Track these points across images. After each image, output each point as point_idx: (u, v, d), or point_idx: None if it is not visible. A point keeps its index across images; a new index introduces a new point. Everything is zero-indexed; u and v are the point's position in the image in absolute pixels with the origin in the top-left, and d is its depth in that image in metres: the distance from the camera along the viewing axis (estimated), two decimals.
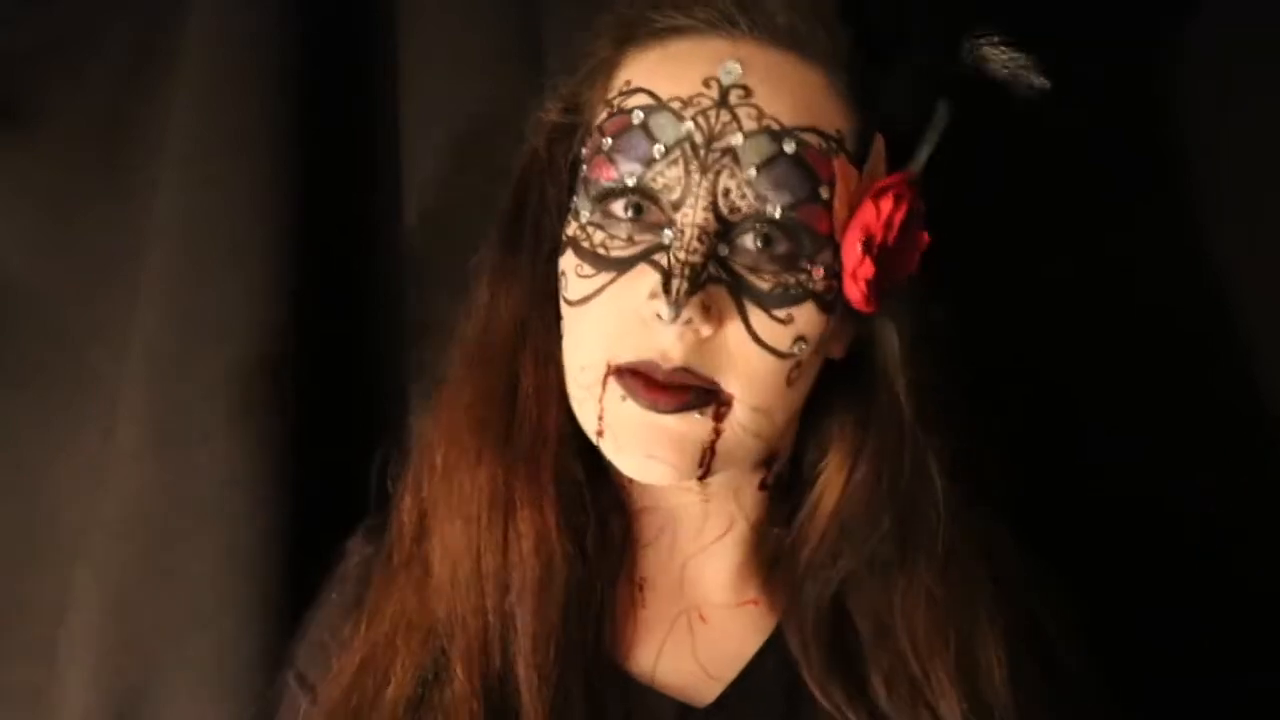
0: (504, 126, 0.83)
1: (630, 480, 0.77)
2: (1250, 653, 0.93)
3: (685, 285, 0.66)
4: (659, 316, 0.67)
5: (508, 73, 0.96)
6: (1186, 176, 0.95)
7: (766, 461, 0.77)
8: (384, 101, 1.02)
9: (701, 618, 0.77)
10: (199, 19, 1.00)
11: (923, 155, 0.72)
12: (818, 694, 0.73)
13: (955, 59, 0.75)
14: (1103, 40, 0.95)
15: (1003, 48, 0.74)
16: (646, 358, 0.68)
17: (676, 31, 0.71)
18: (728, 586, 0.78)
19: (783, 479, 0.79)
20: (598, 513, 0.76)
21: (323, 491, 0.95)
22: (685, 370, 0.68)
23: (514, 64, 0.96)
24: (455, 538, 0.74)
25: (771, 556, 0.78)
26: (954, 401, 0.75)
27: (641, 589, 0.77)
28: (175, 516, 0.94)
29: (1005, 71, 0.74)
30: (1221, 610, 0.92)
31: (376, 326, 1.03)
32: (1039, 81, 0.74)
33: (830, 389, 0.77)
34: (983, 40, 0.75)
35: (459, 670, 0.71)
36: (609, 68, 0.74)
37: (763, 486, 0.78)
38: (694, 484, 0.75)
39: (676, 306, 0.66)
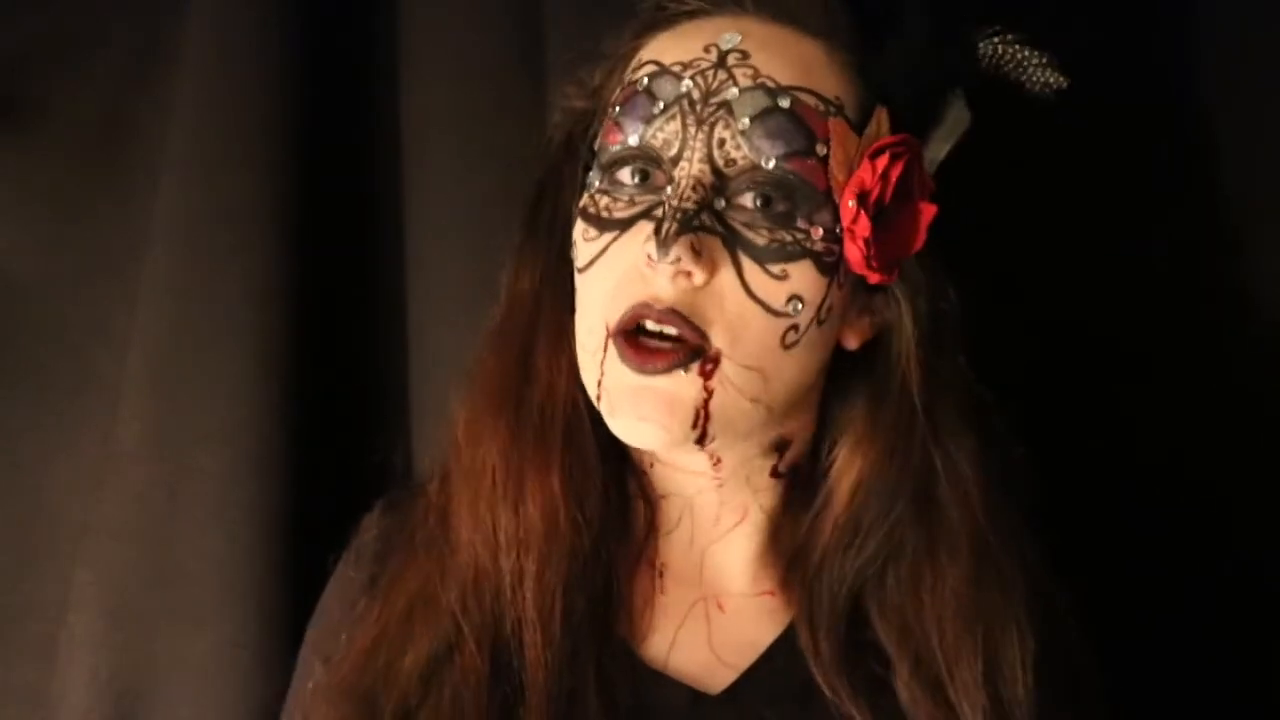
0: (504, 126, 0.84)
1: (650, 465, 0.78)
2: (1257, 653, 0.93)
3: (675, 226, 0.67)
4: (650, 258, 0.68)
5: (508, 73, 0.96)
6: (1211, 175, 0.95)
7: (778, 447, 0.77)
8: (384, 101, 1.02)
9: (719, 606, 0.77)
10: (200, 20, 1.00)
11: (941, 148, 0.74)
12: (825, 690, 0.73)
13: (970, 53, 0.76)
14: (1126, 37, 0.95)
15: (1018, 45, 0.76)
16: (639, 301, 0.69)
17: (686, 15, 0.75)
18: (746, 575, 0.78)
19: (801, 471, 0.79)
20: (615, 494, 0.77)
21: (323, 491, 0.95)
22: (675, 313, 0.68)
23: (514, 64, 0.96)
24: (472, 506, 0.75)
25: (789, 549, 0.78)
26: (975, 393, 0.75)
27: (661, 575, 0.78)
28: (175, 516, 0.95)
29: (1023, 71, 0.76)
30: (1229, 609, 0.92)
31: (376, 326, 1.03)
32: (1056, 80, 0.76)
33: (851, 387, 0.77)
34: (997, 38, 0.76)
35: (469, 636, 0.72)
36: (627, 57, 0.77)
37: (775, 474, 0.78)
38: (705, 467, 0.76)
39: (665, 246, 0.67)
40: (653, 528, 0.78)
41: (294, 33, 1.00)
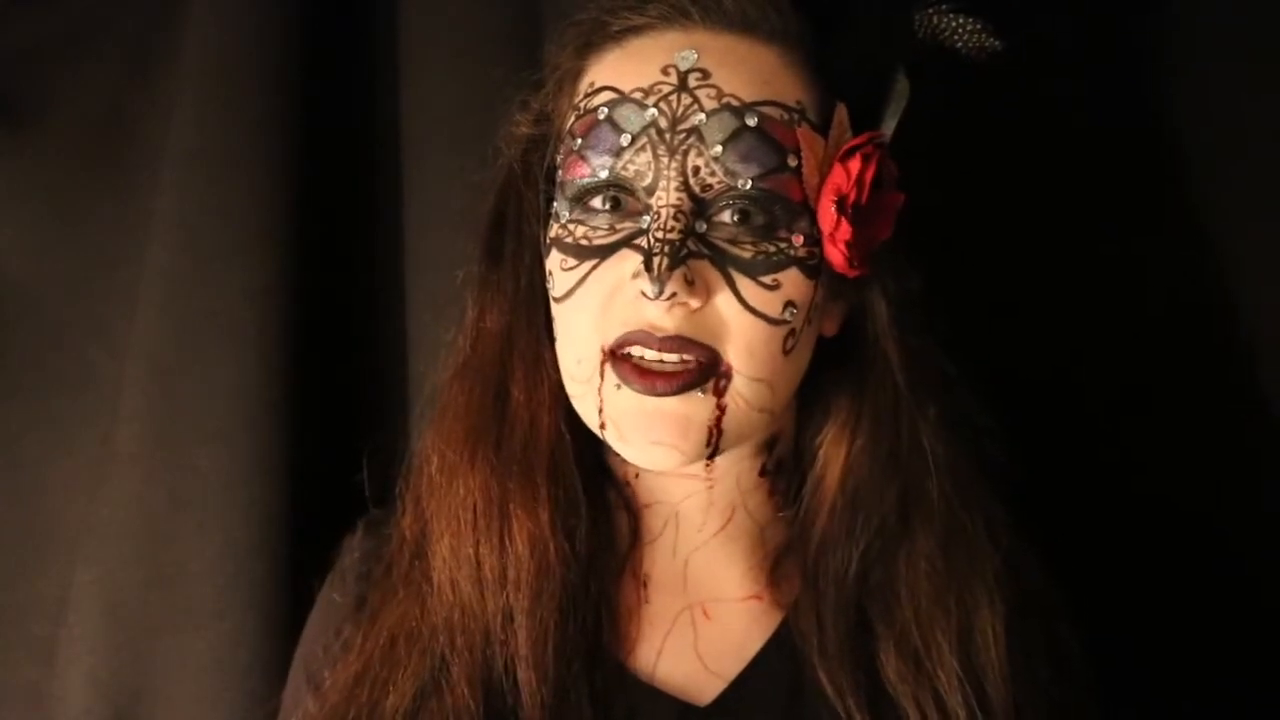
0: (504, 122, 0.83)
1: (635, 476, 0.77)
2: (1247, 652, 0.92)
3: (666, 261, 0.67)
4: (644, 294, 0.67)
5: (507, 70, 0.96)
6: (1191, 174, 0.95)
7: (768, 444, 0.78)
8: (384, 99, 1.02)
9: (705, 614, 0.77)
10: (200, 18, 1.00)
11: (890, 124, 0.73)
12: (823, 678, 0.72)
13: (908, 28, 0.76)
14: (1107, 38, 0.95)
15: (952, 15, 0.76)
16: (636, 328, 0.69)
17: (633, 31, 0.74)
18: (731, 581, 0.78)
19: (783, 464, 0.79)
20: (598, 512, 0.76)
21: (322, 492, 0.94)
22: (680, 338, 0.68)
23: (514, 60, 0.96)
24: (454, 545, 0.74)
25: (777, 547, 0.79)
26: (944, 367, 0.76)
27: (645, 585, 0.77)
28: (175, 516, 0.95)
29: (958, 38, 0.76)
30: (1218, 607, 0.92)
31: (376, 326, 1.03)
32: (991, 44, 0.76)
33: (824, 372, 0.77)
34: (933, 10, 0.76)
35: (459, 676, 0.72)
36: (574, 76, 0.76)
37: (763, 473, 0.78)
38: (699, 470, 0.76)
39: (659, 282, 0.66)
40: (636, 537, 0.78)
41: (293, 32, 1.00)
